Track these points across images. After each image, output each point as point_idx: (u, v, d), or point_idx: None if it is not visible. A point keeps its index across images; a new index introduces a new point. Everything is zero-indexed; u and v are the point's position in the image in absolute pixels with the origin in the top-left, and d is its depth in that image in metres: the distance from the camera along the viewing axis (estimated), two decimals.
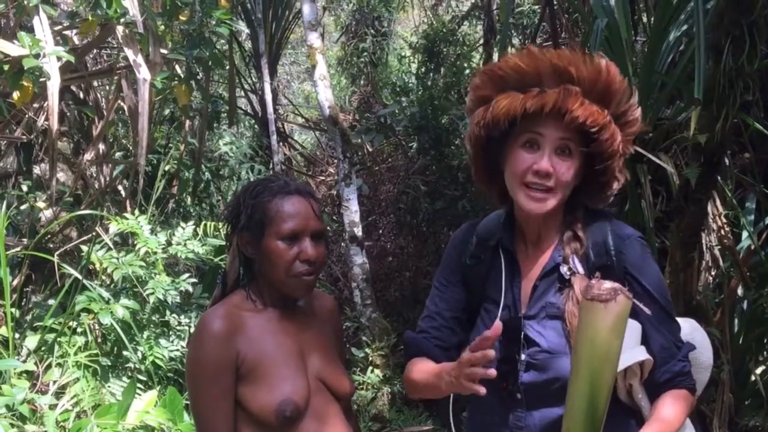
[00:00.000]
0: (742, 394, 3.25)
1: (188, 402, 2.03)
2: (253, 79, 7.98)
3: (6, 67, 3.33)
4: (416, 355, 1.70)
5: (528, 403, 1.56)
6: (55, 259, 3.62)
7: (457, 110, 5.60)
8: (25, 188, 4.18)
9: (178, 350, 3.62)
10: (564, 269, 1.56)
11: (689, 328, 1.67)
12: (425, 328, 1.71)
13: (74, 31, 4.10)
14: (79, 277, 3.49)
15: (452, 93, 5.85)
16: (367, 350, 4.69)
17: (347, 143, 5.04)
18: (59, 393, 3.26)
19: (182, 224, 4.03)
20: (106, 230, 3.91)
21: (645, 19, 4.01)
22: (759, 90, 2.88)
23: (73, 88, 4.49)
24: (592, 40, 3.22)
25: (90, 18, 3.64)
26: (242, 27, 6.01)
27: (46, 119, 3.80)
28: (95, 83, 4.77)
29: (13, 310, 3.39)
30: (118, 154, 5.11)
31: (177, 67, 4.24)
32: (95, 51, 4.88)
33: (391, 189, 6.45)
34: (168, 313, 3.75)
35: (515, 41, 6.89)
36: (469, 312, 1.71)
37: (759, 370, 3.30)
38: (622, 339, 1.32)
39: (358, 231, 4.98)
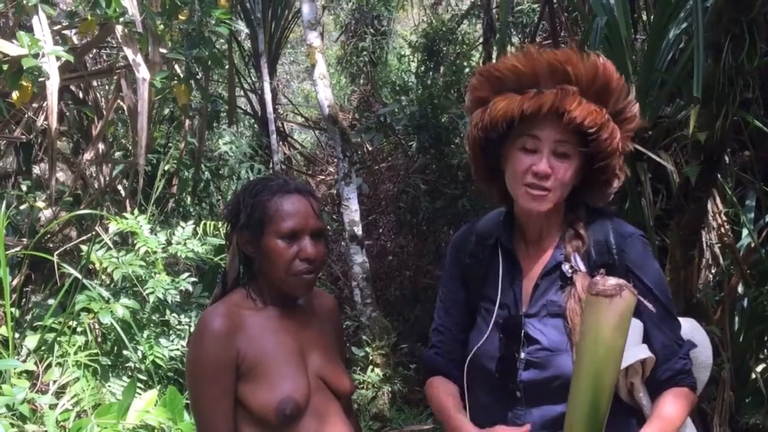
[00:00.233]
0: (743, 392, 3.24)
1: (188, 401, 2.02)
2: (253, 78, 7.98)
3: (5, 67, 3.33)
4: (433, 373, 1.75)
5: (528, 401, 1.56)
6: (55, 258, 3.62)
7: (456, 109, 5.59)
8: (24, 188, 4.19)
9: (178, 349, 3.62)
10: (566, 267, 1.57)
11: (689, 328, 1.68)
12: (435, 343, 1.76)
13: (73, 30, 4.09)
14: (79, 276, 3.49)
15: (452, 92, 5.85)
16: (368, 349, 4.69)
17: (347, 142, 5.04)
18: (59, 392, 3.26)
19: (182, 224, 4.03)
20: (106, 230, 3.91)
21: (644, 17, 4.02)
22: (759, 88, 2.87)
23: (73, 87, 4.49)
24: (591, 39, 3.22)
25: (89, 17, 3.64)
26: (241, 26, 6.02)
27: (46, 119, 3.79)
28: (94, 83, 4.77)
29: (12, 309, 3.39)
30: (117, 154, 5.11)
31: (176, 66, 4.24)
32: (94, 50, 4.88)
33: (391, 188, 6.45)
34: (168, 312, 3.75)
35: (515, 40, 6.89)
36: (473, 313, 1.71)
37: (759, 368, 3.29)
38: (626, 334, 1.32)
39: (358, 230, 4.97)
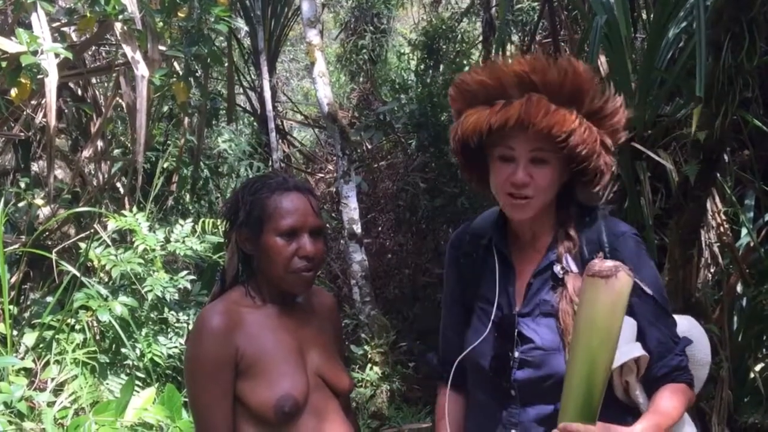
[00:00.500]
0: (741, 391, 3.24)
1: (187, 399, 2.02)
2: (252, 76, 7.97)
3: (4, 64, 3.32)
4: (436, 377, 1.79)
5: (522, 400, 1.57)
6: (53, 256, 3.61)
7: None
8: (23, 185, 4.18)
9: (176, 347, 3.62)
10: (557, 268, 1.58)
11: (687, 325, 1.68)
12: (441, 345, 1.80)
13: (72, 27, 4.09)
14: (78, 274, 3.49)
15: None
16: (366, 347, 4.69)
17: (346, 140, 5.03)
18: (57, 390, 3.25)
19: (181, 221, 4.03)
20: (105, 227, 3.91)
21: (644, 16, 4.02)
22: (758, 87, 2.88)
23: (71, 85, 4.49)
24: (591, 37, 3.22)
25: (88, 15, 3.63)
26: (241, 24, 6.02)
27: (44, 116, 3.79)
28: (93, 80, 4.77)
29: (11, 307, 3.39)
30: (116, 151, 5.11)
31: (175, 64, 4.24)
32: (93, 48, 4.87)
33: (391, 186, 6.44)
34: (166, 310, 3.75)
35: (514, 38, 6.89)
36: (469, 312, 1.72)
37: (758, 368, 3.30)
38: (622, 316, 1.32)
39: (357, 228, 4.97)
